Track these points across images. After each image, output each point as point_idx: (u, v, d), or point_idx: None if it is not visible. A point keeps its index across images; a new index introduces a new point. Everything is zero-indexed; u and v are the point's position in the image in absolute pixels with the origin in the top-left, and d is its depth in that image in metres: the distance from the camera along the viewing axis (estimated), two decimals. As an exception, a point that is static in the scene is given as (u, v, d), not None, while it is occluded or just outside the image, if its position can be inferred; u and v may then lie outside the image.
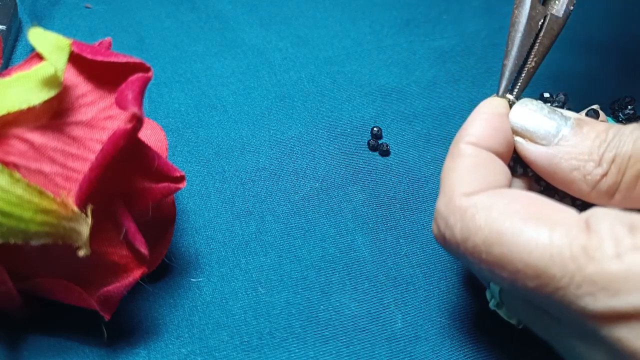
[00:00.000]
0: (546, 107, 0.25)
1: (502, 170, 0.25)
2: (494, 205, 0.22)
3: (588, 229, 0.20)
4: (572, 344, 0.22)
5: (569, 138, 0.24)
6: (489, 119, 0.25)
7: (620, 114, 0.35)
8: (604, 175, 0.23)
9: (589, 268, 0.19)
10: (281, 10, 0.44)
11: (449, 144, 0.26)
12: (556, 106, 0.27)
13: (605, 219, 0.20)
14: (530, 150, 0.25)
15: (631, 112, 0.35)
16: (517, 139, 0.25)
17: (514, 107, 0.25)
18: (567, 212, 0.22)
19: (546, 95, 0.28)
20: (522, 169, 0.26)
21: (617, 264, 0.19)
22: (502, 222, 0.21)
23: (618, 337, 0.19)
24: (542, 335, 0.24)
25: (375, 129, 0.37)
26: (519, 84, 0.27)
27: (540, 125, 0.24)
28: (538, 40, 0.27)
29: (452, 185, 0.24)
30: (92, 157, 0.23)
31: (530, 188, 0.27)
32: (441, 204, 0.24)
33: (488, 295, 0.27)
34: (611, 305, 0.19)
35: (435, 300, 0.30)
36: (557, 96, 0.28)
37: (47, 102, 0.23)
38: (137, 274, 0.25)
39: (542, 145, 0.24)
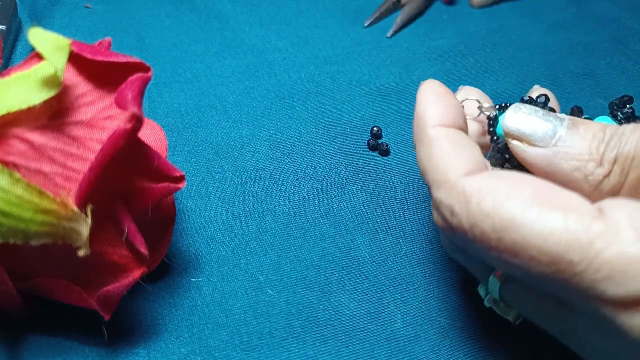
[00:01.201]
0: (540, 110, 0.25)
1: (475, 145, 0.25)
2: (499, 189, 0.22)
3: (603, 216, 0.20)
4: (584, 333, 0.22)
5: (567, 139, 0.24)
6: (440, 99, 0.25)
7: (619, 113, 0.35)
8: (607, 175, 0.23)
9: (608, 252, 0.19)
10: (281, 10, 0.44)
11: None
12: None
13: (622, 208, 0.20)
14: (528, 152, 0.24)
15: (630, 111, 0.35)
16: (514, 142, 0.25)
17: (508, 111, 0.25)
18: (575, 198, 0.21)
19: (526, 98, 0.28)
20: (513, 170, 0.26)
21: (637, 247, 0.19)
22: (512, 208, 0.21)
23: (636, 324, 0.19)
24: (548, 328, 0.24)
25: (375, 129, 0.37)
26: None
27: (537, 128, 0.24)
28: None
29: (445, 171, 0.23)
30: (92, 157, 0.23)
31: None
32: (442, 193, 0.23)
33: (482, 293, 0.27)
34: (630, 289, 0.19)
35: (435, 300, 0.30)
36: (538, 98, 0.28)
37: (47, 102, 0.23)
38: (137, 274, 0.25)
39: (540, 147, 0.24)
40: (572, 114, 0.27)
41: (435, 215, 0.24)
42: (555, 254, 0.20)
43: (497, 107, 0.28)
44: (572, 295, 0.21)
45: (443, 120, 0.24)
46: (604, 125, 0.24)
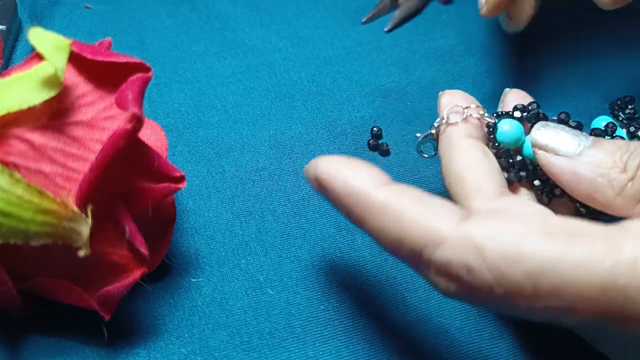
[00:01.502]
0: (565, 126, 0.26)
1: (427, 193, 0.23)
2: (508, 228, 0.20)
3: (630, 234, 0.20)
4: (625, 343, 0.22)
5: (590, 149, 0.24)
6: (348, 164, 0.24)
7: (620, 114, 0.35)
8: (631, 179, 0.23)
9: None
10: (281, 10, 0.44)
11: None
12: (531, 114, 0.28)
13: None
14: (553, 162, 0.25)
15: (631, 111, 0.35)
16: (540, 152, 0.26)
17: (536, 127, 0.26)
18: (587, 225, 0.21)
19: (519, 106, 0.29)
20: (517, 178, 0.27)
21: None
22: (541, 247, 0.19)
23: None
24: (584, 335, 0.24)
25: (375, 129, 0.37)
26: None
27: (565, 141, 0.25)
28: None
29: (433, 229, 0.21)
30: (92, 157, 0.23)
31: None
32: (445, 252, 0.20)
33: None
34: None
35: (435, 300, 0.30)
36: (529, 105, 0.29)
37: (47, 102, 0.23)
38: (137, 274, 0.25)
39: (564, 156, 0.25)
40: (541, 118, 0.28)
41: (443, 282, 0.21)
42: (602, 284, 0.19)
43: (495, 114, 0.29)
44: (621, 323, 0.19)
45: (382, 181, 0.23)
46: (627, 142, 0.25)
